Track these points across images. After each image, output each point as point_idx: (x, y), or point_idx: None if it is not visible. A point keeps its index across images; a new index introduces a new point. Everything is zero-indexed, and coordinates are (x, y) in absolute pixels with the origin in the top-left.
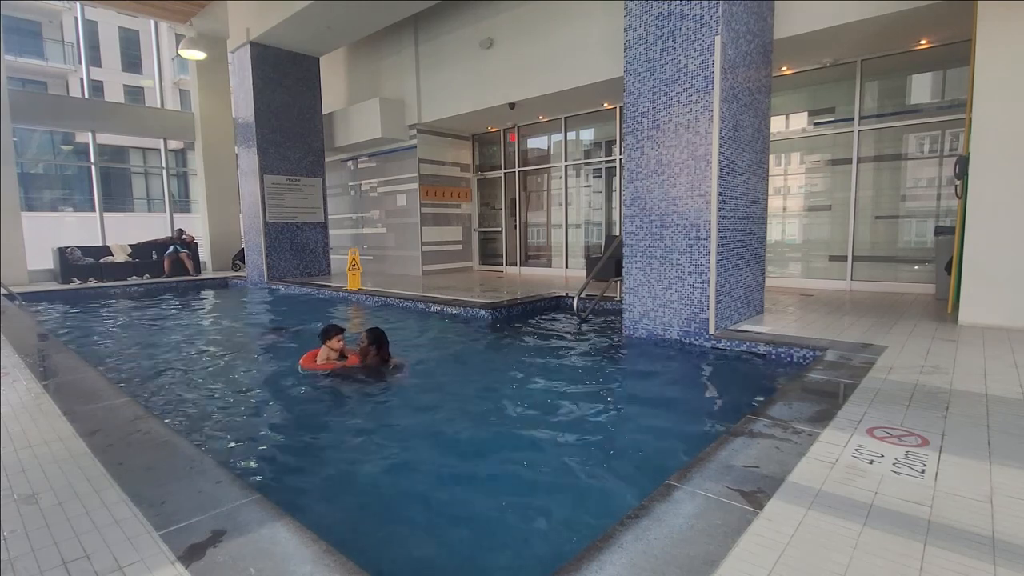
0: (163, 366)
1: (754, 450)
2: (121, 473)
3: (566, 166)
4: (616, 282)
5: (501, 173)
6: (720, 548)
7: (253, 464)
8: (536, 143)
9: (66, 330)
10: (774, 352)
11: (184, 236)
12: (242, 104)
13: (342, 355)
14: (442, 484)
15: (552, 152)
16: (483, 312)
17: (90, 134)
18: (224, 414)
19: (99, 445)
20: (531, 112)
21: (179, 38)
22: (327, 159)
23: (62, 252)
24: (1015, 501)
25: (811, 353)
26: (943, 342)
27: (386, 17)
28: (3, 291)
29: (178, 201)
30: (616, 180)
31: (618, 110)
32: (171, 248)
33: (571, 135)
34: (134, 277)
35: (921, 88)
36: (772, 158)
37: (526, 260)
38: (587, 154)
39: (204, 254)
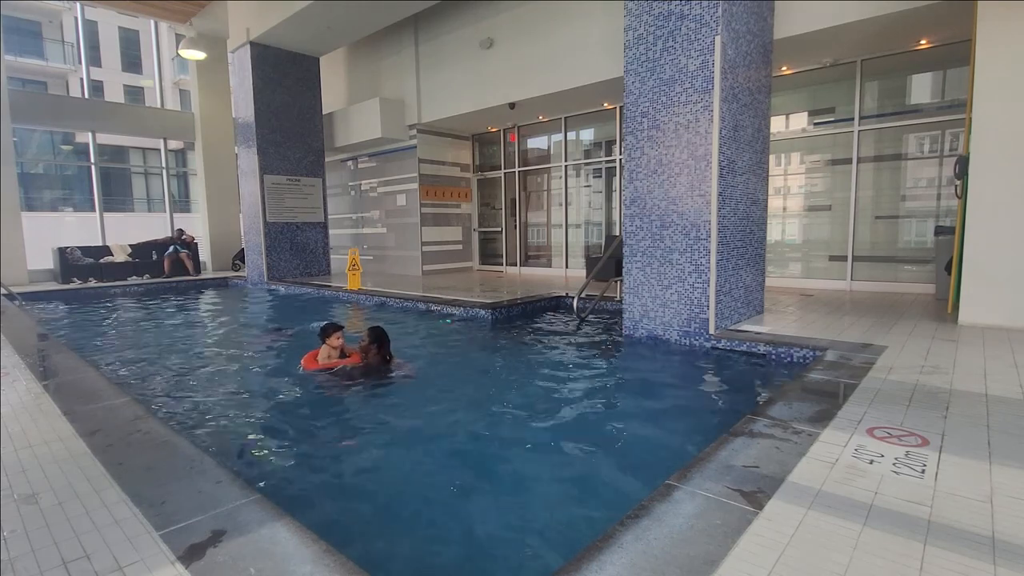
0: (163, 366)
1: (754, 450)
2: (121, 473)
3: (566, 166)
4: (616, 282)
5: (501, 173)
6: (720, 548)
7: (253, 464)
8: (536, 143)
9: (66, 330)
10: (774, 352)
11: (184, 236)
12: (242, 104)
13: (343, 353)
14: (442, 484)
15: (552, 152)
16: (483, 312)
17: (90, 134)
18: (224, 414)
19: (99, 445)
20: (531, 112)
21: (179, 38)
22: (327, 159)
23: (62, 252)
24: (1015, 501)
25: (811, 353)
26: (943, 342)
27: (386, 17)
28: (3, 291)
29: (178, 201)
30: (616, 180)
31: (618, 110)
32: (171, 248)
33: (571, 135)
34: (134, 277)
35: (921, 88)
36: (772, 158)
37: (526, 260)
38: (587, 154)
39: (204, 254)
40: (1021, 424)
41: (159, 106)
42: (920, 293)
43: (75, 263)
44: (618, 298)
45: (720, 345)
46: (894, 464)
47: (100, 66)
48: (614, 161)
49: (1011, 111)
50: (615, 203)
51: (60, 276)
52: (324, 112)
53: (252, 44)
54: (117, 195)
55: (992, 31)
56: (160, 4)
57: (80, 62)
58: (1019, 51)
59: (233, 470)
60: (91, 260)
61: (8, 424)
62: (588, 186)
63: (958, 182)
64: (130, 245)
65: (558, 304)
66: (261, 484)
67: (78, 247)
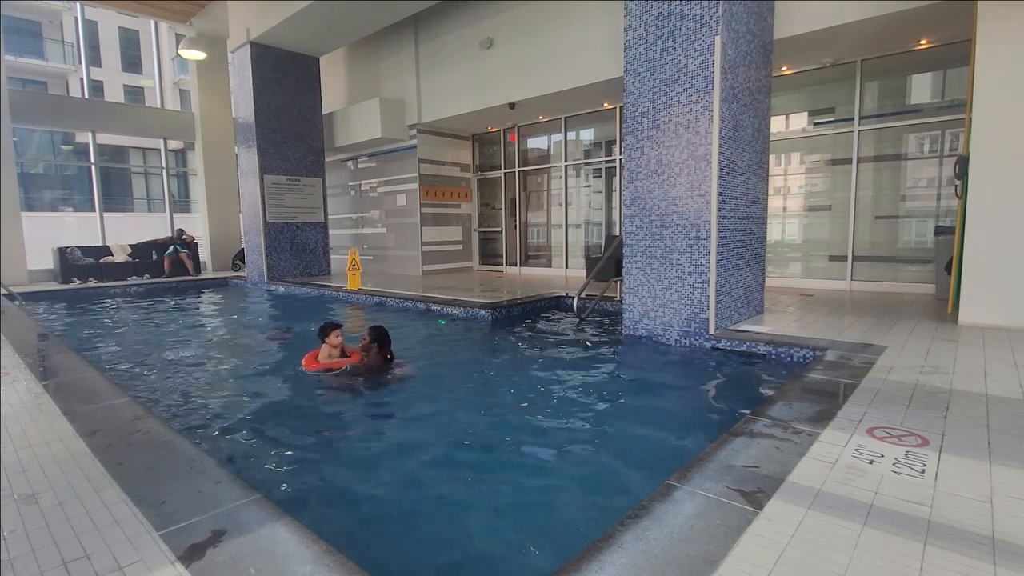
0: (163, 366)
1: (754, 450)
2: (121, 473)
3: (566, 166)
4: (616, 282)
5: (501, 173)
6: (720, 548)
7: (253, 464)
8: (536, 143)
9: (66, 330)
10: (774, 352)
11: (184, 236)
12: (242, 104)
13: (343, 352)
14: (443, 484)
15: (552, 152)
16: (483, 312)
17: (90, 134)
18: (224, 414)
19: (99, 445)
20: (531, 112)
21: (179, 38)
22: (327, 159)
23: (62, 252)
24: (1015, 501)
25: (811, 353)
26: (943, 342)
27: (386, 17)
28: (3, 291)
29: (178, 201)
30: (616, 180)
31: (618, 110)
32: (171, 248)
33: (571, 135)
34: (134, 277)
35: (921, 88)
36: (772, 158)
37: (526, 260)
38: (587, 154)
39: (204, 254)
40: (1021, 424)
41: (159, 106)
42: (920, 293)
43: (75, 263)
44: (618, 298)
45: (720, 345)
46: (894, 464)
47: (100, 66)
48: (614, 161)
49: (1011, 111)
50: (615, 203)
51: (60, 276)
52: (324, 112)
53: (252, 44)
54: (117, 195)
55: (992, 31)
56: (160, 4)
57: (80, 62)
58: (1019, 51)
59: (233, 470)
60: (91, 260)
61: (8, 424)
62: (588, 186)
63: (958, 182)
64: (130, 245)
65: (558, 304)
66: (261, 484)
67: (78, 247)
